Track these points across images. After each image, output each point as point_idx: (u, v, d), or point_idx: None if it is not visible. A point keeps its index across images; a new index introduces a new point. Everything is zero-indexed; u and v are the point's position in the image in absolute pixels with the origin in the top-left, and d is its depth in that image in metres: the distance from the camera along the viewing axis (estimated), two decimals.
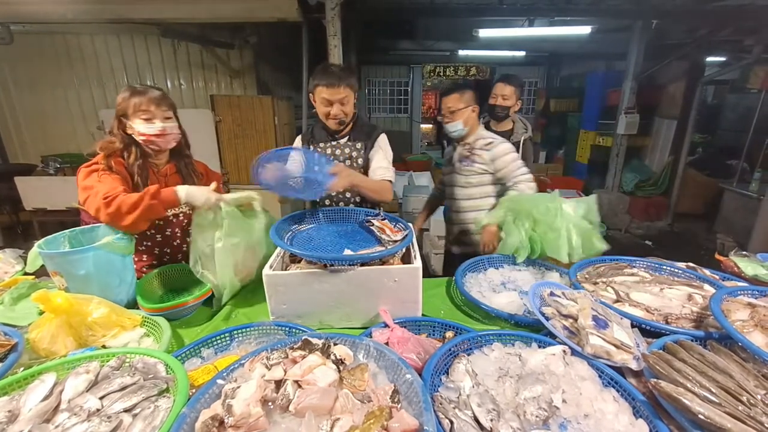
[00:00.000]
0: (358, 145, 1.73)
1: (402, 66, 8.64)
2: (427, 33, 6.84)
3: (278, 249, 1.34)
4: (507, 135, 2.38)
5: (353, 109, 1.66)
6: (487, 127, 2.48)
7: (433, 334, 1.18)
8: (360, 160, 1.73)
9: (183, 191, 1.30)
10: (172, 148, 1.50)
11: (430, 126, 11.28)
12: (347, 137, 1.75)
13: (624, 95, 5.25)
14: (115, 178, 1.33)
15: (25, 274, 1.53)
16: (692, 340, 0.94)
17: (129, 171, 1.40)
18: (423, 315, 1.25)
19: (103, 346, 1.05)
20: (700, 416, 0.69)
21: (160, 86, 1.50)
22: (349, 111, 1.64)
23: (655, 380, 0.77)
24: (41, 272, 1.40)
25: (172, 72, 4.86)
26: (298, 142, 1.79)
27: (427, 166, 6.83)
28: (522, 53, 7.47)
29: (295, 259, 1.38)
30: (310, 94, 1.66)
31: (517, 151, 2.28)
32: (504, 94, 2.31)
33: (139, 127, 1.38)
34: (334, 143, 1.73)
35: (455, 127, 1.99)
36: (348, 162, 1.71)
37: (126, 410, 0.75)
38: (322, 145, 1.72)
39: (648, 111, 5.68)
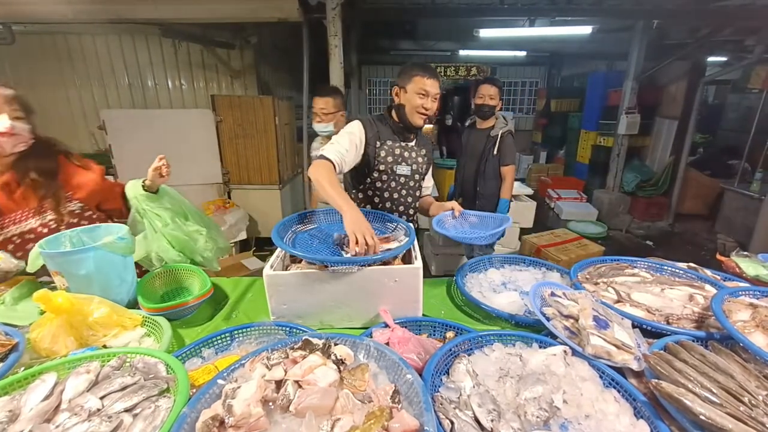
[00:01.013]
0: (423, 152, 1.73)
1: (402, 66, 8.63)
2: (427, 33, 6.85)
3: (278, 249, 1.34)
4: (489, 131, 2.63)
5: None
6: (473, 126, 2.74)
7: (434, 335, 1.18)
8: (424, 167, 1.75)
9: None
10: (20, 156, 1.33)
11: (431, 126, 11.27)
12: (414, 141, 1.72)
13: (625, 95, 5.24)
14: None
15: (26, 273, 1.53)
16: (693, 341, 0.94)
17: None
18: (423, 315, 1.25)
19: (104, 346, 1.05)
20: (701, 417, 0.69)
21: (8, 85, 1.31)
22: (435, 109, 1.60)
23: (656, 381, 0.77)
24: (42, 272, 1.40)
25: (173, 72, 4.86)
26: (358, 126, 1.60)
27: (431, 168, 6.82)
28: (523, 53, 7.47)
29: (295, 258, 1.38)
30: (397, 88, 1.60)
31: (495, 145, 2.58)
32: (490, 94, 2.53)
33: None
34: (403, 144, 1.68)
35: (327, 128, 2.24)
36: (414, 166, 1.70)
37: (126, 410, 0.75)
38: (390, 143, 1.65)
39: (649, 111, 5.67)
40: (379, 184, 1.68)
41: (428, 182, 1.87)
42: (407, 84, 1.56)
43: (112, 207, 1.56)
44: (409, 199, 1.74)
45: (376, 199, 1.71)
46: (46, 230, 1.39)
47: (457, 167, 2.93)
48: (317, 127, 2.26)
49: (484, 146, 2.63)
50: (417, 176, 1.73)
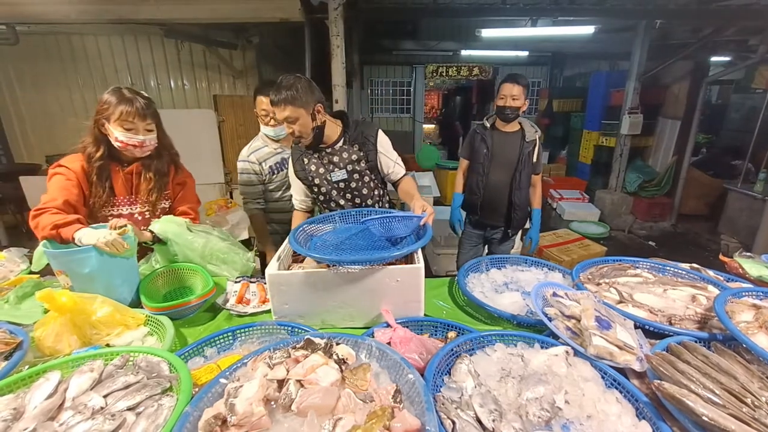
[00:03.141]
0: (356, 148, 1.64)
1: (405, 66, 8.63)
2: (429, 33, 6.85)
3: (281, 249, 1.35)
4: (518, 136, 2.32)
5: (311, 124, 1.51)
6: (494, 128, 2.38)
7: (436, 335, 1.18)
8: (363, 163, 1.65)
9: (79, 234, 1.26)
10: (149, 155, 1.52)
11: (433, 126, 11.31)
12: (341, 141, 1.64)
13: (627, 95, 5.23)
14: (64, 186, 1.38)
15: (30, 273, 1.54)
16: (696, 342, 0.93)
17: (88, 170, 1.43)
18: (425, 315, 1.25)
19: (107, 345, 1.05)
20: (703, 418, 0.68)
21: (147, 95, 1.48)
22: (302, 129, 1.50)
23: (659, 381, 0.77)
24: (46, 271, 1.41)
25: (176, 72, 4.88)
26: (289, 162, 1.73)
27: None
28: (525, 53, 7.46)
29: (297, 258, 1.38)
30: None
31: (533, 150, 2.31)
32: (513, 94, 2.21)
33: (119, 135, 1.39)
34: (328, 150, 1.62)
35: (285, 130, 1.68)
36: (350, 167, 1.63)
37: (129, 408, 0.76)
38: (317, 155, 1.63)
39: (652, 111, 5.65)
40: (321, 198, 1.67)
41: (388, 168, 1.71)
42: None
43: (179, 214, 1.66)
44: (357, 200, 1.69)
45: (327, 212, 1.67)
46: (140, 218, 1.56)
47: (472, 172, 2.48)
48: (274, 130, 1.99)
49: (519, 152, 2.31)
50: (357, 176, 1.65)
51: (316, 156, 1.63)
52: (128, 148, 1.42)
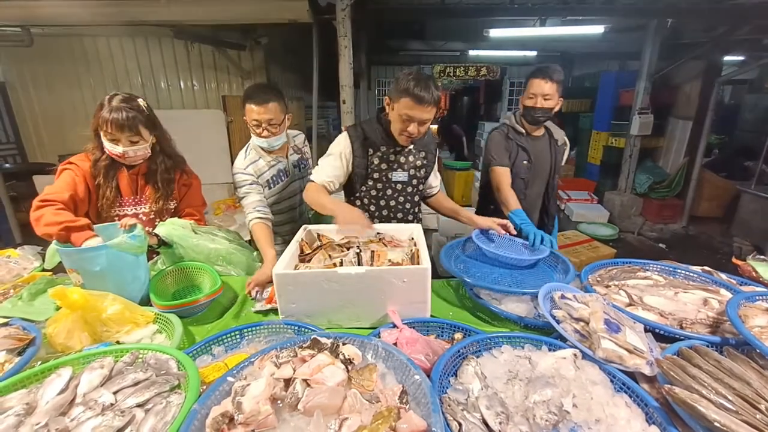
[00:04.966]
0: (422, 154, 1.64)
1: (412, 66, 8.63)
2: (437, 33, 6.84)
3: (288, 249, 1.35)
4: (547, 140, 2.08)
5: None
6: (517, 132, 2.04)
7: (442, 336, 1.17)
8: (423, 171, 1.65)
9: (86, 244, 1.26)
10: (153, 162, 1.55)
11: (434, 127, 11.25)
12: (413, 144, 1.62)
13: (638, 95, 5.16)
14: (72, 181, 1.42)
15: (43, 270, 1.57)
16: (708, 346, 0.92)
17: (95, 172, 1.47)
18: (432, 316, 1.25)
19: (117, 342, 1.07)
20: (715, 424, 0.67)
21: (141, 102, 1.49)
22: (425, 131, 1.49)
23: (669, 386, 0.75)
24: (59, 269, 1.44)
25: (185, 73, 4.93)
26: (345, 140, 1.57)
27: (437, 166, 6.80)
28: (533, 53, 7.40)
29: (304, 258, 1.39)
30: (388, 98, 1.48)
31: (564, 156, 2.16)
32: (545, 92, 1.84)
33: (105, 144, 1.43)
34: (398, 149, 1.59)
35: (279, 140, 1.75)
36: (412, 171, 1.61)
37: (138, 405, 0.76)
38: (383, 149, 1.58)
39: (662, 111, 5.57)
40: (374, 192, 1.62)
41: (434, 181, 1.76)
42: (395, 102, 1.44)
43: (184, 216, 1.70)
44: (408, 206, 1.67)
45: (372, 208, 1.65)
46: (145, 219, 1.60)
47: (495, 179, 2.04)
48: (268, 142, 1.72)
49: (554, 158, 2.08)
50: (415, 181, 1.64)
51: (381, 151, 1.58)
52: (115, 157, 1.45)
